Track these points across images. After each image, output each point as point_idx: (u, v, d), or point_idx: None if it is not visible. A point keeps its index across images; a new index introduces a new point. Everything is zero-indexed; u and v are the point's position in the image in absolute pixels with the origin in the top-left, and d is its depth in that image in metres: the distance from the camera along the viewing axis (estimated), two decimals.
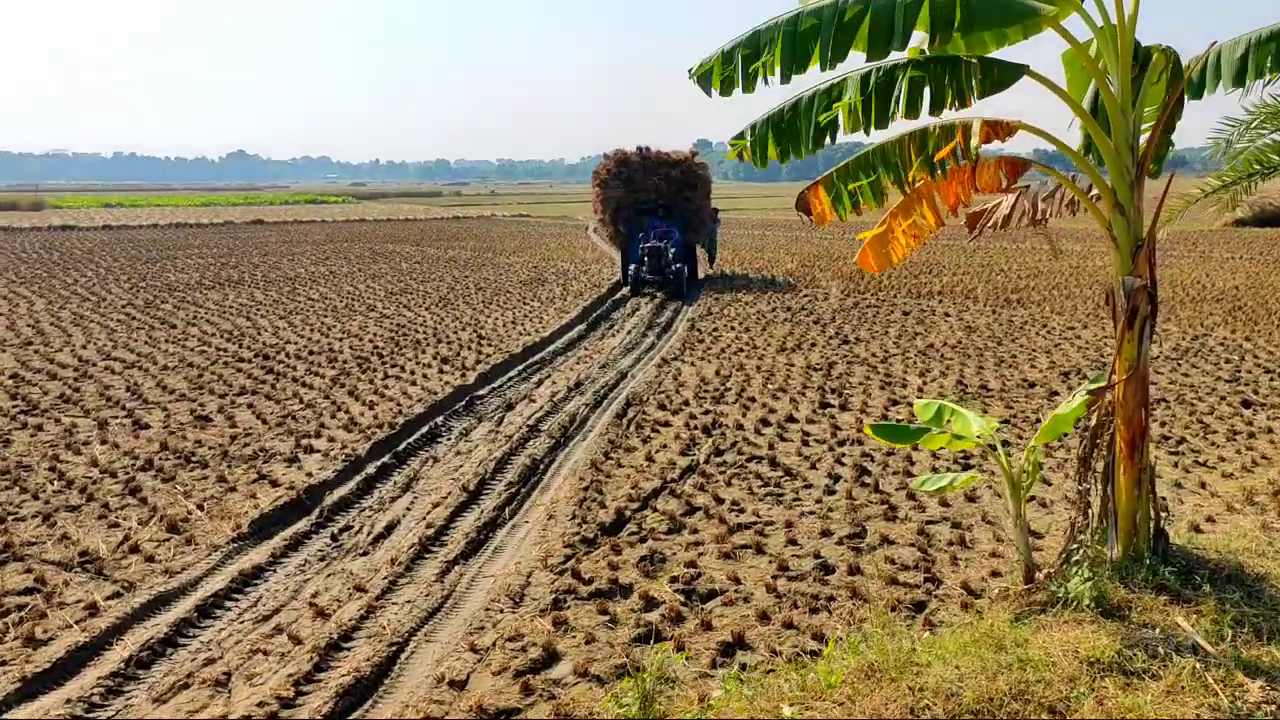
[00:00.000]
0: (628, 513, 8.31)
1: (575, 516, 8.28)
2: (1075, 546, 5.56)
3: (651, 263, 22.84)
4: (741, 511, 8.36)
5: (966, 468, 9.09)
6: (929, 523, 7.90)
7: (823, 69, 5.00)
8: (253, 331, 17.72)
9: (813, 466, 9.53)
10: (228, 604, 6.71)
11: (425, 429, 11.04)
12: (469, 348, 15.96)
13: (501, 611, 6.55)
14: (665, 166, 24.91)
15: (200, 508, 8.47)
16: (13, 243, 40.67)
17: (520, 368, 14.63)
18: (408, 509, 8.57)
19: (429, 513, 8.42)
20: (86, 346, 16.11)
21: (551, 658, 5.86)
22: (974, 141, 5.15)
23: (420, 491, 9.05)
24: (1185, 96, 5.73)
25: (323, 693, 5.50)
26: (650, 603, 6.62)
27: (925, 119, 5.18)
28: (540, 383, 13.62)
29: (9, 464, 9.58)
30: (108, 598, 6.70)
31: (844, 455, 9.82)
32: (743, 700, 4.96)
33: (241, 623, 6.41)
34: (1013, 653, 4.83)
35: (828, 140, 5.33)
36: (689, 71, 5.35)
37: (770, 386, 12.93)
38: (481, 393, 12.95)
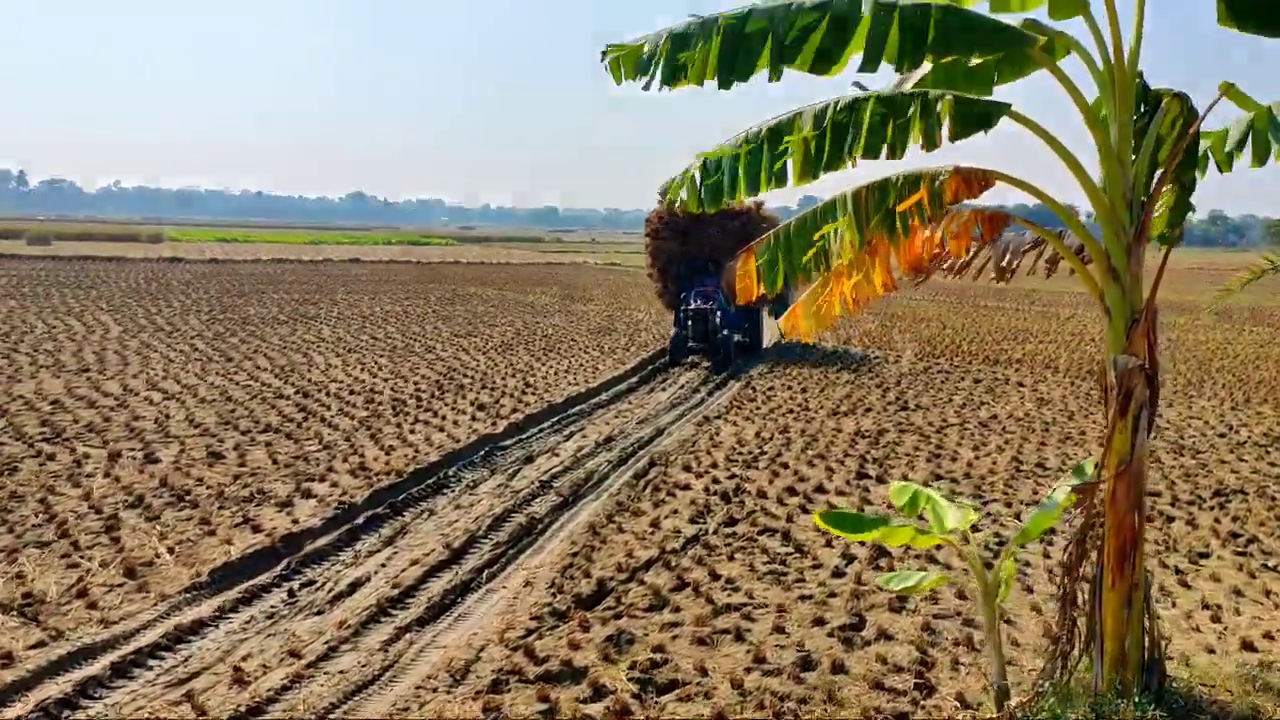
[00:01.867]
0: (611, 584, 7.65)
1: (554, 585, 7.66)
2: (1053, 673, 4.71)
3: (697, 328, 20.05)
4: (735, 590, 7.62)
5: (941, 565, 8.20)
6: (937, 617, 7.05)
7: (771, 78, 4.35)
8: (304, 368, 17.62)
9: (828, 544, 8.73)
10: (150, 662, 6.26)
11: (433, 479, 10.57)
12: (511, 395, 15.52)
13: (435, 690, 5.96)
14: (725, 218, 21.47)
15: (171, 551, 8.10)
16: (120, 272, 42.09)
17: (557, 419, 14.11)
18: (382, 566, 8.06)
19: (402, 571, 7.90)
20: (138, 376, 16.18)
21: None
22: (943, 192, 4.43)
23: (402, 547, 8.54)
24: (1213, 161, 4.96)
25: None
26: (599, 692, 5.95)
27: (886, 167, 4.50)
28: (570, 435, 13.07)
29: (3, 494, 9.40)
30: (30, 647, 6.32)
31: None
32: None
33: (153, 686, 5.94)
34: None
35: (770, 184, 4.67)
36: (606, 49, 4.71)
37: (809, 452, 12.12)
38: (507, 443, 12.45)
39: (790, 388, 17.10)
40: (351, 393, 15.31)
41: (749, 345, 21.54)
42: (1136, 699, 4.63)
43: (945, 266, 5.92)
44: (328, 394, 15.14)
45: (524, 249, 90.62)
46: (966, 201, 4.64)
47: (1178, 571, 8.21)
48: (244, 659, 6.30)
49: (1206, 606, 7.45)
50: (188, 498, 9.53)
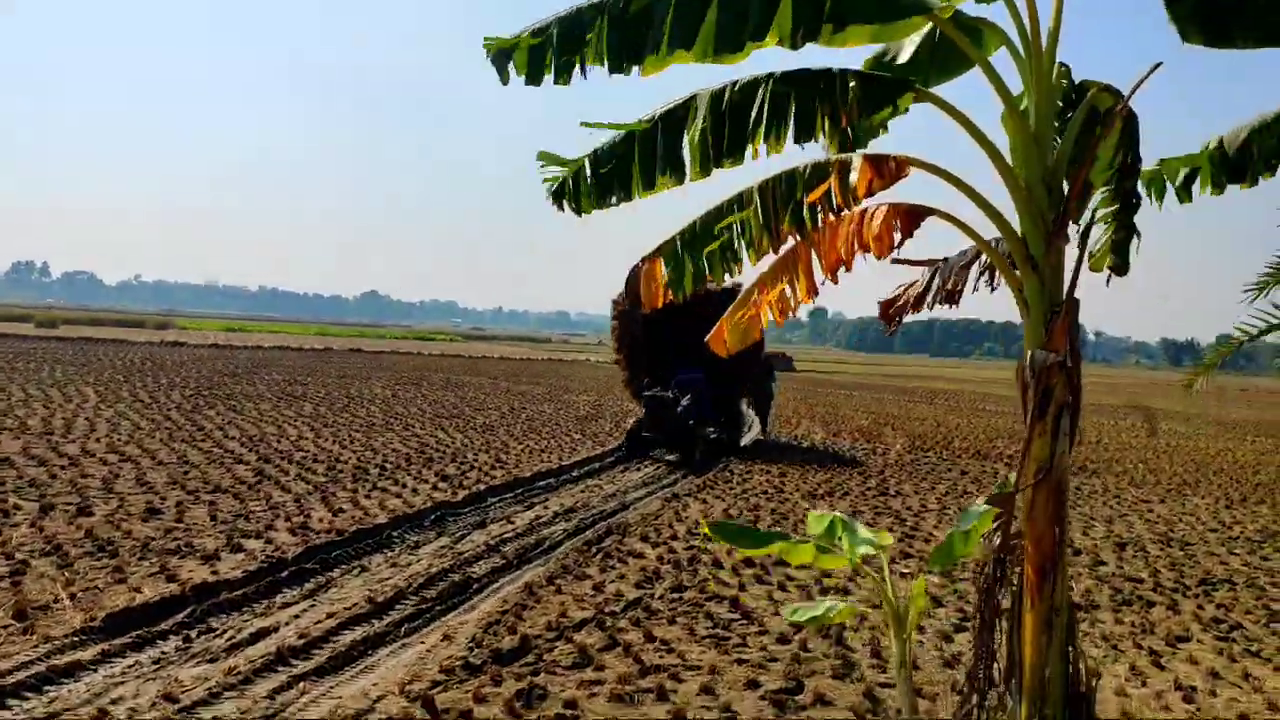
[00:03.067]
0: (536, 642, 7.10)
1: (474, 640, 7.11)
2: (968, 711, 4.17)
3: (655, 417, 17.60)
4: (669, 651, 7.06)
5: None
6: (883, 685, 6.47)
7: (656, 63, 4.03)
8: (274, 438, 17.18)
9: (777, 612, 8.16)
10: (10, 702, 5.71)
11: (375, 539, 10.05)
12: (479, 469, 15.04)
13: None
14: (704, 301, 20.62)
15: (72, 597, 7.58)
16: (119, 352, 41.95)
17: (520, 490, 13.60)
18: (295, 618, 7.52)
19: (315, 623, 7.36)
20: (100, 440, 15.74)
21: None
22: (853, 178, 4.09)
23: (323, 600, 8.00)
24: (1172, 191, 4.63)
25: None
26: None
27: (792, 156, 4.17)
28: (531, 506, 12.55)
29: None
30: None
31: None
32: None
33: None
34: None
35: (667, 181, 4.33)
36: (484, 43, 4.38)
37: (776, 529, 11.57)
38: (463, 510, 11.95)
39: (768, 472, 16.58)
40: (315, 460, 14.85)
41: (725, 442, 19.21)
42: None
43: (905, 309, 5.61)
44: (290, 461, 14.68)
45: (530, 348, 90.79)
46: (881, 196, 4.29)
47: (1152, 652, 7.62)
48: (113, 703, 5.76)
49: (1180, 687, 6.86)
50: (108, 548, 9.02)
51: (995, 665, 4.32)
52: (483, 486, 13.39)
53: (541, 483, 14.38)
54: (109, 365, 33.00)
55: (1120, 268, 5.10)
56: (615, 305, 20.75)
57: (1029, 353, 4.26)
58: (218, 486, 12.30)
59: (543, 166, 4.69)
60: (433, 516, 11.31)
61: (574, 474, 15.51)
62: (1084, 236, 4.54)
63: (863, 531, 4.50)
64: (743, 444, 20.18)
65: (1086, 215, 4.64)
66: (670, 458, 17.69)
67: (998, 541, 4.27)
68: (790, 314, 4.65)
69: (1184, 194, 5.59)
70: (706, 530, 4.47)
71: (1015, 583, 4.27)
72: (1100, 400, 47.30)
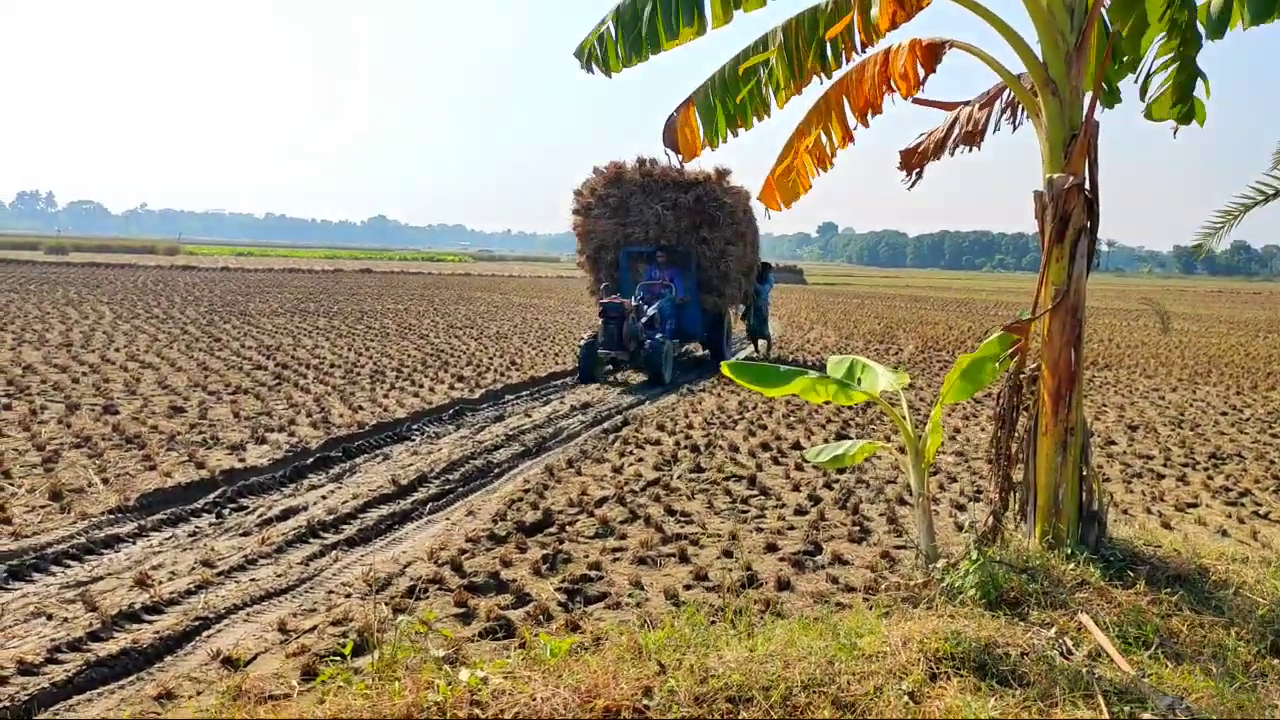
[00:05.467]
0: (558, 516, 7.27)
1: (498, 515, 7.28)
2: (984, 533, 4.28)
3: (610, 330, 14.46)
4: (689, 523, 7.23)
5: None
6: (898, 548, 6.61)
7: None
8: (290, 347, 17.33)
9: (796, 489, 8.33)
10: (53, 569, 5.90)
11: (395, 431, 10.22)
12: (494, 370, 15.18)
13: (347, 597, 5.58)
14: (675, 189, 16.70)
15: (105, 481, 7.77)
16: (130, 276, 42.03)
17: (536, 389, 13.75)
18: (322, 498, 7.71)
19: (342, 503, 7.54)
20: (120, 350, 15.91)
21: (364, 647, 4.83)
22: (874, 11, 4.06)
23: (348, 483, 8.19)
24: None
25: (76, 663, 4.61)
26: (522, 599, 5.57)
27: None
28: (548, 402, 12.71)
29: None
30: None
31: (836, 481, 8.58)
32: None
33: (50, 588, 5.59)
34: (839, 642, 3.61)
35: (690, 29, 4.31)
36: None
37: (790, 418, 11.72)
38: (481, 406, 12.11)
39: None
40: (332, 366, 15.00)
41: (711, 356, 17.47)
42: (1070, 550, 4.20)
43: (928, 158, 5.57)
44: (307, 367, 14.83)
45: (539, 266, 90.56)
46: (904, 31, 4.25)
47: (1161, 515, 7.75)
48: (153, 569, 5.95)
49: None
50: (136, 440, 9.20)
51: (1009, 488, 4.42)
52: (499, 385, 13.54)
53: (556, 382, 14.53)
54: (121, 287, 33.09)
55: (1186, 115, 4.98)
56: (577, 197, 17.61)
57: (1048, 177, 4.26)
58: (239, 388, 12.47)
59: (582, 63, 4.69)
60: (451, 411, 11.46)
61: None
62: (1143, 88, 4.45)
63: (882, 372, 4.58)
64: (733, 356, 17.62)
65: (1148, 60, 4.54)
66: (637, 379, 15.05)
67: (1013, 368, 4.33)
68: (830, 163, 4.66)
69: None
70: (727, 371, 4.55)
71: (1031, 408, 4.35)
72: (1112, 304, 47.17)
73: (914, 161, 5.35)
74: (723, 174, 16.98)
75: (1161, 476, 9.26)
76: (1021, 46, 4.32)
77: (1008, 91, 4.93)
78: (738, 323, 20.24)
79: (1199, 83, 5.05)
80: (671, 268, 16.60)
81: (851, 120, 4.53)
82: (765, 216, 5.11)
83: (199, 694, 4.30)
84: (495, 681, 3.40)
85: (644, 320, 14.91)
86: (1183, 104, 5.08)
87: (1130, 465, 9.68)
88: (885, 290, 59.92)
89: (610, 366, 15.04)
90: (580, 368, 14.61)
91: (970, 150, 5.13)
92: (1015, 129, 4.93)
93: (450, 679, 3.46)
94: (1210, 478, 9.23)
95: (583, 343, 14.75)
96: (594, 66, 4.75)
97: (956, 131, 5.14)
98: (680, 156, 5.08)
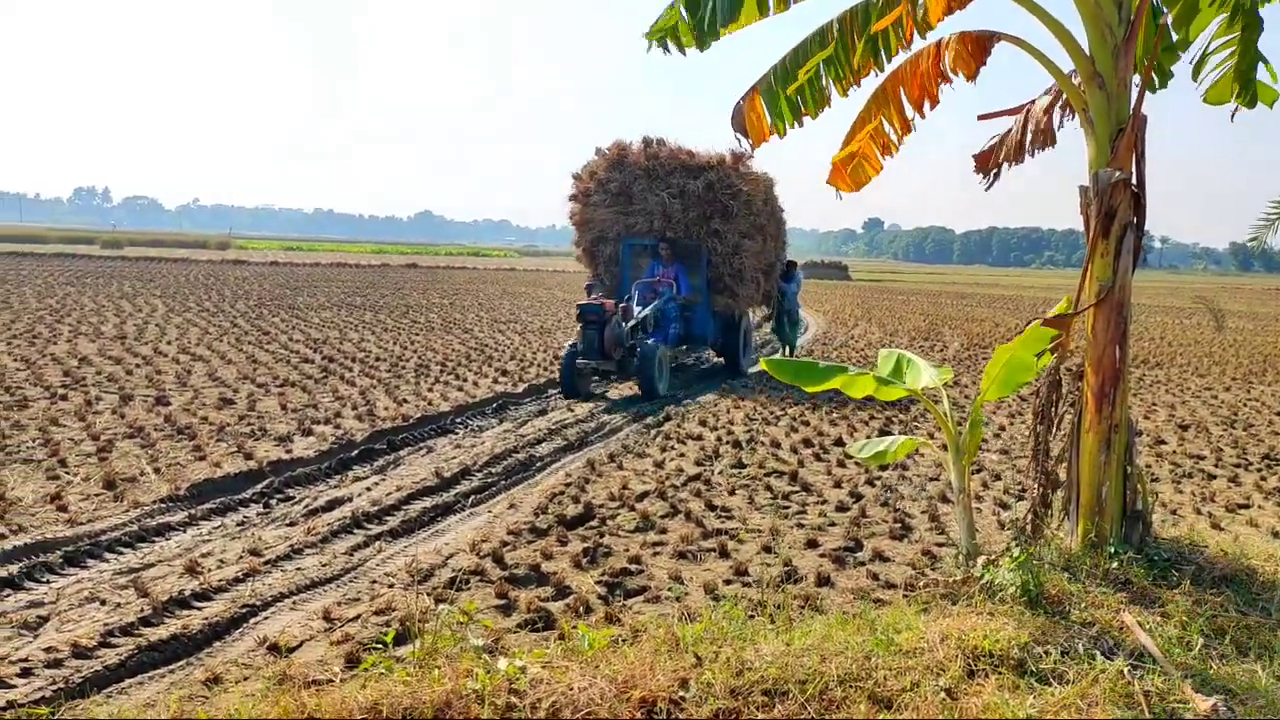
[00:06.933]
0: (600, 510, 7.31)
1: (540, 508, 7.34)
2: (1025, 531, 4.24)
3: (588, 337, 12.49)
4: (729, 518, 7.23)
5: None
6: (940, 545, 6.57)
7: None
8: (336, 341, 17.56)
9: (837, 485, 8.31)
10: (107, 555, 6.05)
11: (439, 424, 10.33)
12: (537, 365, 15.27)
13: (390, 587, 5.66)
14: (684, 174, 14.65)
15: (156, 471, 7.94)
16: (182, 270, 42.77)
17: None
18: (366, 490, 7.82)
19: (386, 495, 7.63)
20: (171, 343, 16.23)
21: (406, 636, 4.89)
22: (922, 3, 4.03)
23: (392, 475, 8.29)
24: None
25: (127, 647, 4.72)
26: (562, 592, 5.61)
27: None
28: (590, 397, 12.75)
29: (6, 422, 9.34)
30: None
31: (878, 479, 8.53)
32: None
33: (103, 574, 5.73)
34: (876, 637, 3.59)
35: (744, 14, 4.31)
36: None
37: (833, 415, 11.67)
38: (524, 400, 12.19)
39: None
40: (377, 360, 15.18)
41: (726, 364, 15.69)
42: (1113, 549, 4.15)
43: (1002, 160, 5.51)
44: (353, 360, 15.02)
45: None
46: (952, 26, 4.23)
47: (1211, 516, 7.61)
48: (202, 557, 6.08)
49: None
50: (187, 431, 9.39)
51: (1050, 486, 4.38)
52: (542, 380, 13.61)
53: (598, 376, 14.55)
54: (174, 281, 33.69)
55: (1249, 100, 4.89)
56: (575, 181, 15.56)
57: (1094, 171, 4.21)
58: (286, 381, 12.66)
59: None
60: (494, 405, 11.55)
61: None
62: (1197, 66, 4.38)
63: (924, 367, 4.56)
64: (747, 369, 15.66)
65: (1203, 39, 4.47)
66: (630, 391, 13.25)
67: (1054, 363, 4.29)
68: (895, 149, 4.64)
69: None
70: (766, 367, 4.56)
71: (1074, 405, 4.30)
72: (1164, 302, 46.35)
73: (991, 164, 5.26)
74: (739, 157, 14.64)
75: (1212, 477, 9.10)
76: (1068, 40, 4.27)
77: (1063, 93, 4.87)
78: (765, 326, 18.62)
79: (1261, 67, 4.96)
80: (677, 263, 14.62)
81: (909, 110, 4.51)
82: (837, 197, 4.96)
83: (246, 679, 4.38)
84: (534, 671, 3.44)
85: (631, 323, 12.86)
86: (1245, 89, 4.99)
87: (1180, 465, 9.53)
88: (931, 286, 59.35)
89: (597, 379, 13.53)
90: (562, 381, 12.59)
91: (1045, 149, 5.06)
92: (1061, 125, 4.86)
93: (489, 668, 3.51)
94: (1263, 479, 9.06)
95: (564, 351, 12.80)
96: (670, 46, 4.79)
97: (1030, 133, 5.06)
98: (750, 141, 5.09)
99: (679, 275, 14.51)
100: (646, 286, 14.07)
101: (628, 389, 13.39)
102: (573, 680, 3.30)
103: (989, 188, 5.56)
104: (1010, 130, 5.31)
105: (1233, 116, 5.02)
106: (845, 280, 61.33)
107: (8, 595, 5.36)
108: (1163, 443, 10.69)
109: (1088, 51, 4.26)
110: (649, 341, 12.79)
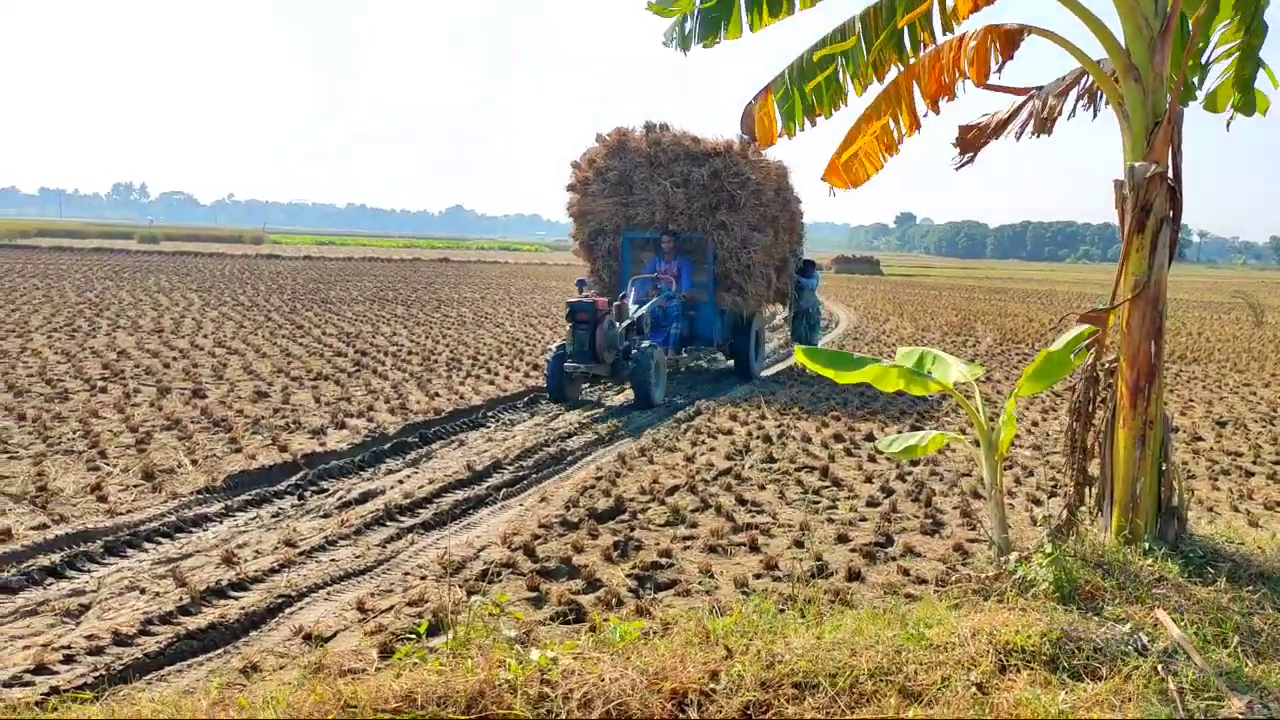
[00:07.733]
0: (630, 504, 7.33)
1: (571, 502, 7.37)
2: (1059, 526, 4.22)
3: (578, 338, 11.55)
4: (760, 512, 7.24)
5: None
6: (971, 541, 6.54)
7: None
8: (369, 335, 17.70)
9: (868, 480, 8.29)
10: (146, 545, 6.15)
11: (471, 418, 10.40)
12: None
13: (423, 579, 5.72)
14: (688, 162, 13.62)
15: (194, 462, 8.06)
16: (218, 264, 43.23)
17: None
18: (399, 482, 7.89)
19: (418, 487, 7.70)
20: (207, 337, 16.42)
21: (438, 627, 4.94)
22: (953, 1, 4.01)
23: (424, 468, 8.36)
24: None
25: (166, 635, 4.80)
26: (593, 585, 5.64)
27: None
28: (622, 391, 12.77)
29: (48, 413, 9.51)
30: (31, 528, 6.26)
31: (910, 474, 8.50)
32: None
33: (142, 563, 5.83)
34: (907, 632, 3.59)
35: (767, 11, 4.30)
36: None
37: (863, 410, 11.64)
38: None
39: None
40: (410, 354, 15.29)
41: (736, 367, 14.66)
42: (1147, 545, 4.12)
43: (988, 137, 5.46)
44: (385, 354, 15.14)
45: None
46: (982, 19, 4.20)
47: (1249, 514, 7.52)
48: (239, 547, 6.16)
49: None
50: (223, 423, 9.52)
51: (1084, 482, 4.35)
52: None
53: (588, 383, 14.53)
54: (210, 275, 34.09)
55: (1247, 106, 4.87)
56: (574, 170, 14.49)
57: (1129, 165, 4.17)
58: (319, 374, 12.79)
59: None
60: (526, 399, 11.60)
61: None
62: (1203, 68, 4.36)
63: (954, 363, 4.54)
64: (759, 373, 14.78)
65: (1210, 48, 4.46)
66: (623, 397, 12.35)
67: (1090, 359, 4.26)
68: (896, 149, 4.61)
69: None
70: (800, 357, 4.56)
71: (1109, 401, 4.27)
72: (1203, 297, 45.76)
73: (971, 139, 5.20)
74: (748, 144, 13.42)
75: (1251, 474, 9.00)
76: (1103, 32, 4.23)
77: (1086, 78, 4.83)
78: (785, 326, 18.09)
79: (1261, 73, 4.94)
80: (680, 258, 13.60)
81: (921, 107, 4.48)
82: (830, 194, 4.88)
83: (282, 667, 4.45)
84: (565, 662, 3.47)
85: (626, 323, 11.94)
86: (1244, 95, 4.96)
87: (1218, 462, 9.42)
88: (964, 281, 58.92)
89: (587, 384, 12.71)
90: (549, 384, 11.74)
91: (1038, 136, 5.01)
92: (1095, 116, 4.82)
93: (521, 659, 3.54)
94: None
95: (551, 353, 11.94)
96: (688, 44, 4.79)
97: (1025, 116, 5.03)
98: (757, 143, 5.08)
99: (682, 271, 13.56)
100: (646, 282, 13.16)
101: (627, 393, 12.66)
102: (604, 671, 3.33)
103: (959, 167, 5.42)
104: (999, 110, 5.22)
105: (1228, 125, 5.00)
106: (877, 275, 61.00)
107: (50, 584, 5.46)
108: (1200, 439, 10.58)
109: (1123, 44, 4.22)
110: (645, 344, 11.78)
